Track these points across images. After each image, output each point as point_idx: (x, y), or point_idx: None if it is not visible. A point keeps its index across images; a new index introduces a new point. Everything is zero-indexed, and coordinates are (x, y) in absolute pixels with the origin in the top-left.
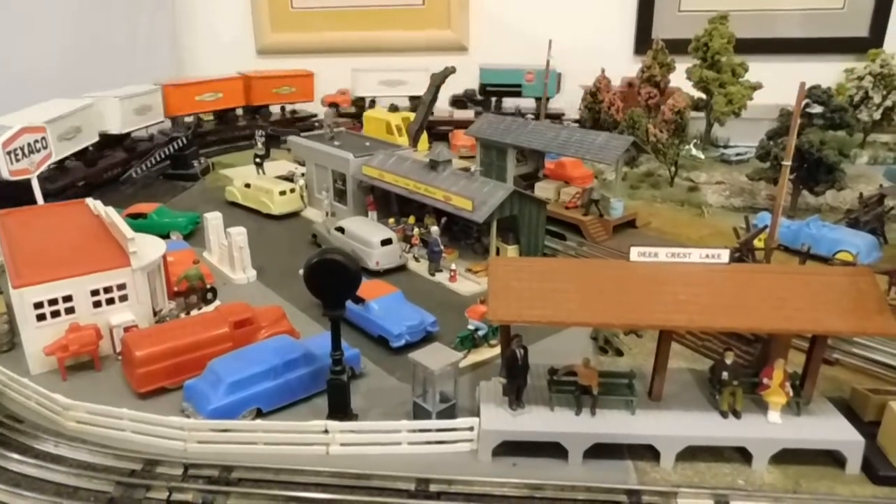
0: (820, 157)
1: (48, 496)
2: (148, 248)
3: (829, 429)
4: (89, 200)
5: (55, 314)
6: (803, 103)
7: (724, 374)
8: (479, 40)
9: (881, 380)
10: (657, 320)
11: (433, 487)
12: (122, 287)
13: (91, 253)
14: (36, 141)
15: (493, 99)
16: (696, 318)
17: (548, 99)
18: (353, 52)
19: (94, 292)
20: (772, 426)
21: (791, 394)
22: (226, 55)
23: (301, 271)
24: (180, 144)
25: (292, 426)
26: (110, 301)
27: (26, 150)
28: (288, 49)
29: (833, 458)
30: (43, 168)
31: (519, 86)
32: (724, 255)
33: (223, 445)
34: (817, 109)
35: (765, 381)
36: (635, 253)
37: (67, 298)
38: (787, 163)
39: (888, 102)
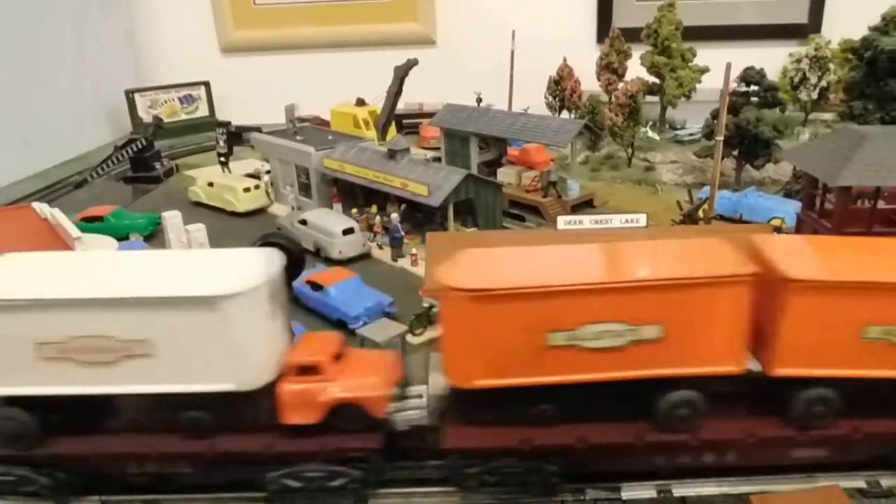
0: (756, 133)
1: None
2: (97, 247)
3: None
4: (35, 204)
5: None
6: (732, 84)
7: None
8: (447, 33)
9: None
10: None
11: None
12: None
13: None
14: None
15: None
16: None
17: None
18: (320, 47)
19: None
20: None
21: None
22: (188, 55)
23: None
24: (139, 147)
25: None
26: None
27: None
28: (253, 46)
29: None
30: None
31: None
32: (642, 220)
33: None
34: (744, 88)
35: None
36: (562, 222)
37: None
38: (720, 138)
39: (823, 83)
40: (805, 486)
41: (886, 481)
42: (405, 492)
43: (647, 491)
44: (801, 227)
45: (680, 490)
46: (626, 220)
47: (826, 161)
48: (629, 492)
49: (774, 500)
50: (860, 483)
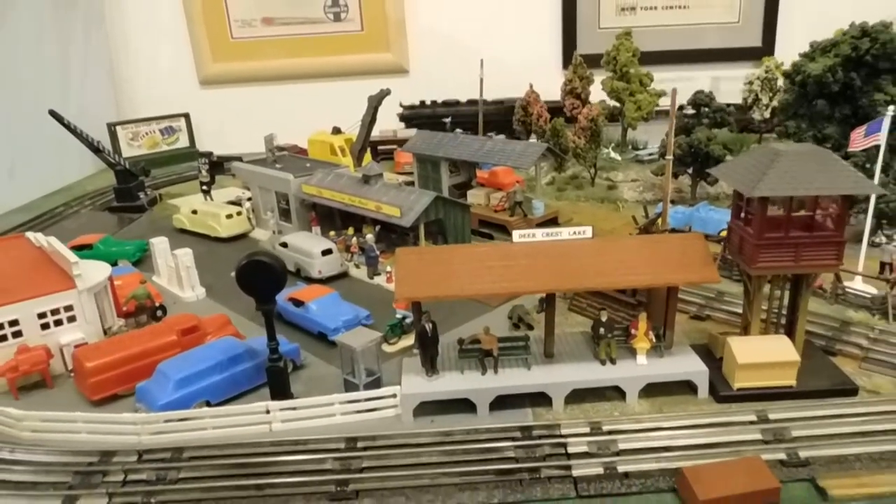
0: (707, 151)
1: (8, 491)
2: (93, 272)
3: (683, 364)
4: (30, 234)
5: (2, 338)
6: (678, 105)
7: (601, 330)
8: (419, 62)
9: (737, 327)
10: (532, 287)
11: (360, 444)
12: (69, 308)
13: (35, 279)
14: None
15: None
16: (565, 282)
17: None
18: (296, 79)
19: (42, 315)
20: (639, 367)
21: (654, 340)
22: (168, 88)
23: (233, 273)
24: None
25: (237, 409)
26: (58, 322)
27: None
28: (231, 79)
29: (691, 388)
30: None
31: None
32: (588, 231)
33: (175, 434)
34: (691, 111)
35: (632, 331)
36: (517, 235)
37: (14, 322)
38: (669, 157)
39: (774, 103)
40: (730, 459)
41: (804, 452)
42: None
43: (595, 469)
44: (731, 234)
45: (623, 467)
46: (574, 233)
47: (745, 175)
48: (579, 470)
49: (702, 470)
50: (781, 455)
